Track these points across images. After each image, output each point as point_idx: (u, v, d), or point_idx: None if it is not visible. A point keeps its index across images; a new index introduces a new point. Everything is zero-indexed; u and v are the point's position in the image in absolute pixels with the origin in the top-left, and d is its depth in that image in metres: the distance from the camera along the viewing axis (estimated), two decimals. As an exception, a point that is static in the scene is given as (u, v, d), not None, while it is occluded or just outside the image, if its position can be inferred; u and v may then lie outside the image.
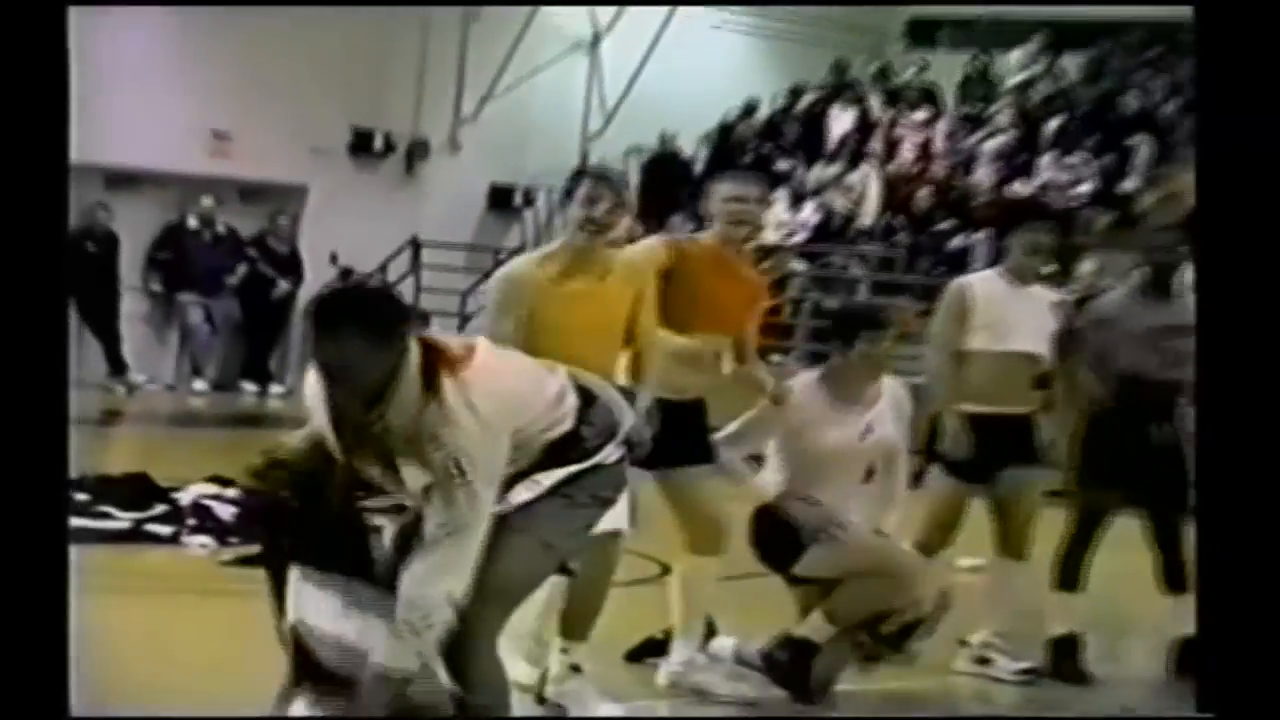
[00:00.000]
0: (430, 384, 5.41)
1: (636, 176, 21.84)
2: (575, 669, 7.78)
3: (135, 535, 11.62)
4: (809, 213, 24.09)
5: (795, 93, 26.64)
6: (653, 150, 24.48)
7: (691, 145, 24.66)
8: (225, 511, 12.15)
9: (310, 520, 5.86)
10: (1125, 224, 21.50)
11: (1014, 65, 26.09)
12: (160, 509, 12.04)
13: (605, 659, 8.27)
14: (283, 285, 23.06)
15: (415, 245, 22.99)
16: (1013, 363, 9.26)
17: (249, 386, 23.03)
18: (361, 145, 23.20)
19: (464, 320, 21.77)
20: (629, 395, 6.37)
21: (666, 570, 9.12)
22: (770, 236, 23.46)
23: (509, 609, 5.85)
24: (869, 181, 24.03)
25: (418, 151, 24.00)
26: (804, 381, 8.74)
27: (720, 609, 8.87)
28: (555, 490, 5.80)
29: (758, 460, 8.82)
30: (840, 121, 25.75)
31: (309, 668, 5.74)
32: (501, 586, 5.73)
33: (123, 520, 11.77)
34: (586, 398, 5.92)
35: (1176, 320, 9.37)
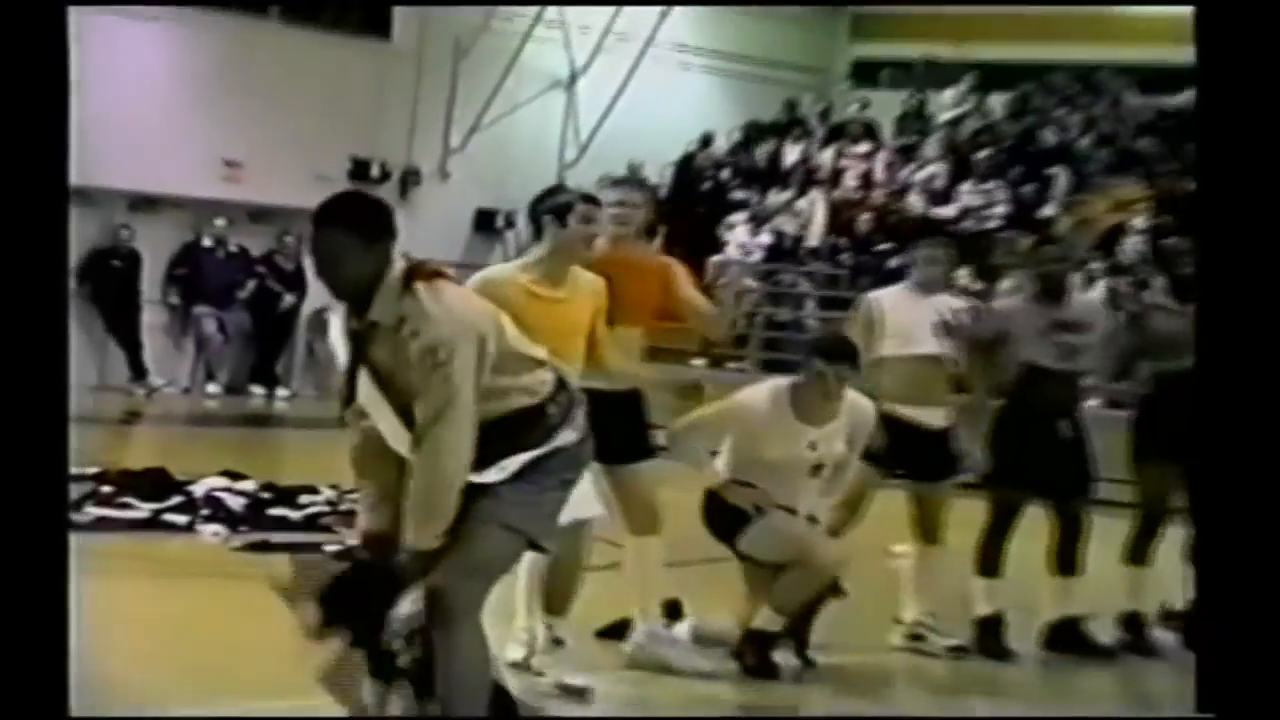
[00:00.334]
0: (408, 285, 5.59)
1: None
2: (558, 642, 7.84)
3: (154, 524, 11.60)
4: (763, 235, 24.11)
5: (750, 127, 26.68)
6: (615, 178, 24.44)
7: (656, 174, 24.64)
8: (235, 502, 12.14)
9: None
10: (1044, 246, 21.57)
11: (946, 103, 26.14)
12: (177, 500, 12.03)
13: (581, 635, 8.30)
14: (288, 298, 23.05)
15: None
16: (922, 365, 9.35)
17: (257, 390, 23.02)
18: (360, 173, 23.16)
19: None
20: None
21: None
22: (732, 254, 23.55)
23: (485, 587, 5.82)
24: (816, 207, 24.06)
25: (410, 179, 23.99)
26: (769, 389, 8.71)
27: (684, 591, 8.89)
28: (520, 475, 5.78)
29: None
30: (790, 153, 25.79)
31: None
32: (474, 568, 5.75)
33: (143, 510, 11.75)
34: (560, 382, 5.95)
35: (1066, 317, 9.60)
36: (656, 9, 24.22)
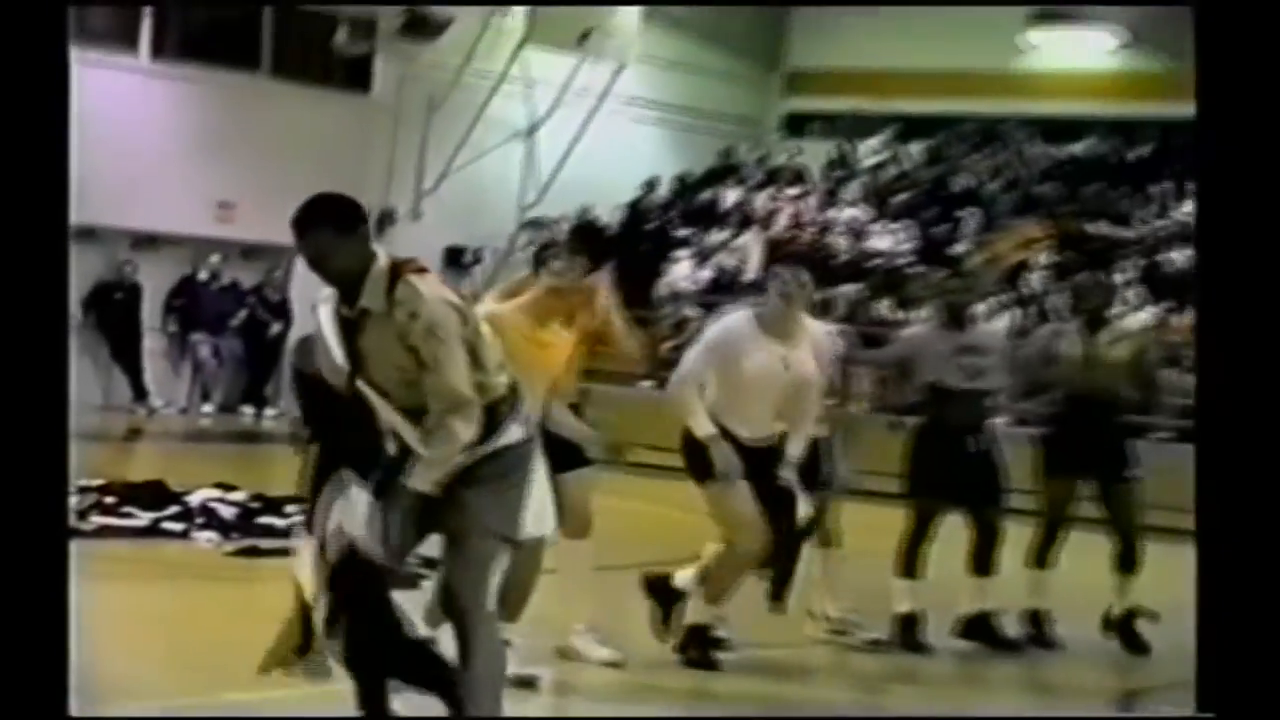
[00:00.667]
0: (395, 276, 5.68)
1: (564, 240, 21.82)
2: (506, 643, 7.78)
3: (153, 531, 11.57)
4: (704, 270, 24.13)
5: (693, 174, 26.74)
6: (570, 219, 24.46)
7: (608, 215, 24.65)
8: (227, 511, 12.10)
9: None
10: (950, 278, 21.63)
11: (868, 151, 26.22)
12: (174, 509, 11.99)
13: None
14: (276, 327, 23.03)
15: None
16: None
17: (248, 409, 22.95)
18: (341, 213, 23.11)
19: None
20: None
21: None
22: (678, 286, 23.57)
23: (485, 585, 5.86)
24: (752, 245, 24.08)
25: (387, 218, 23.91)
26: (739, 315, 8.69)
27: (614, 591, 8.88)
28: (480, 480, 5.81)
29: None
30: (729, 196, 25.84)
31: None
32: (470, 570, 5.83)
33: (143, 519, 11.72)
34: (513, 386, 5.98)
35: (969, 342, 9.67)
36: (609, 68, 24.25)
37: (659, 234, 25.35)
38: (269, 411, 22.96)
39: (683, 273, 24.03)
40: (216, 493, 12.49)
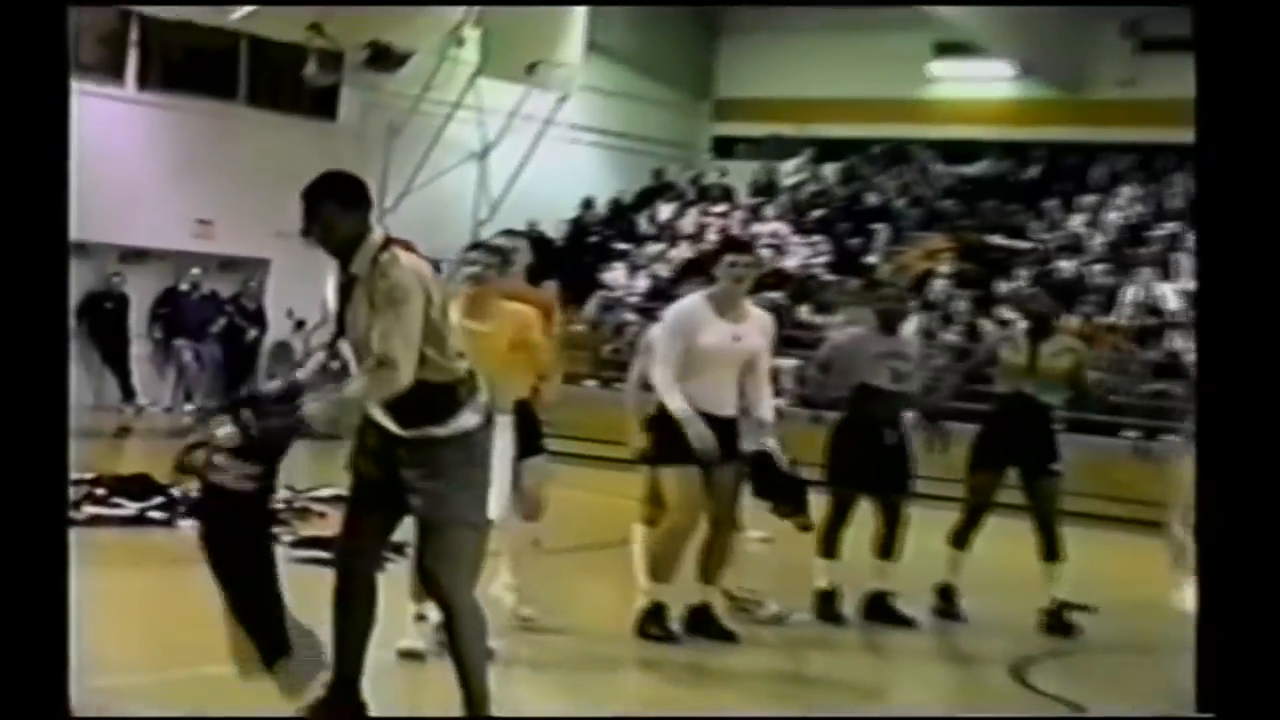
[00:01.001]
0: (384, 247, 5.79)
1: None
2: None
3: (140, 520, 11.51)
4: (639, 279, 24.15)
5: (629, 192, 26.77)
6: (523, 233, 24.45)
7: (553, 229, 24.64)
8: (208, 501, 12.04)
9: None
10: (869, 288, 21.73)
11: (789, 172, 26.31)
12: (159, 500, 11.91)
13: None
14: (252, 333, 22.96)
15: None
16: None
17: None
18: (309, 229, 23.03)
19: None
20: None
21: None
22: (619, 293, 23.59)
23: (470, 571, 5.97)
24: (685, 257, 24.11)
25: (353, 234, 23.87)
26: (692, 298, 8.67)
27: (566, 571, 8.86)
28: (451, 472, 5.81)
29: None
30: (662, 212, 25.87)
31: None
32: (454, 560, 5.88)
33: (130, 508, 11.65)
34: (471, 373, 5.97)
35: (898, 349, 9.70)
36: (554, 97, 24.25)
37: (599, 247, 25.37)
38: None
39: (618, 280, 24.05)
40: (198, 484, 12.43)
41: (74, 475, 11.91)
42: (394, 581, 7.37)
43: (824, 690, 8.35)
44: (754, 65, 27.35)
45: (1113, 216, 22.67)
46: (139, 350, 22.38)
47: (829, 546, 9.66)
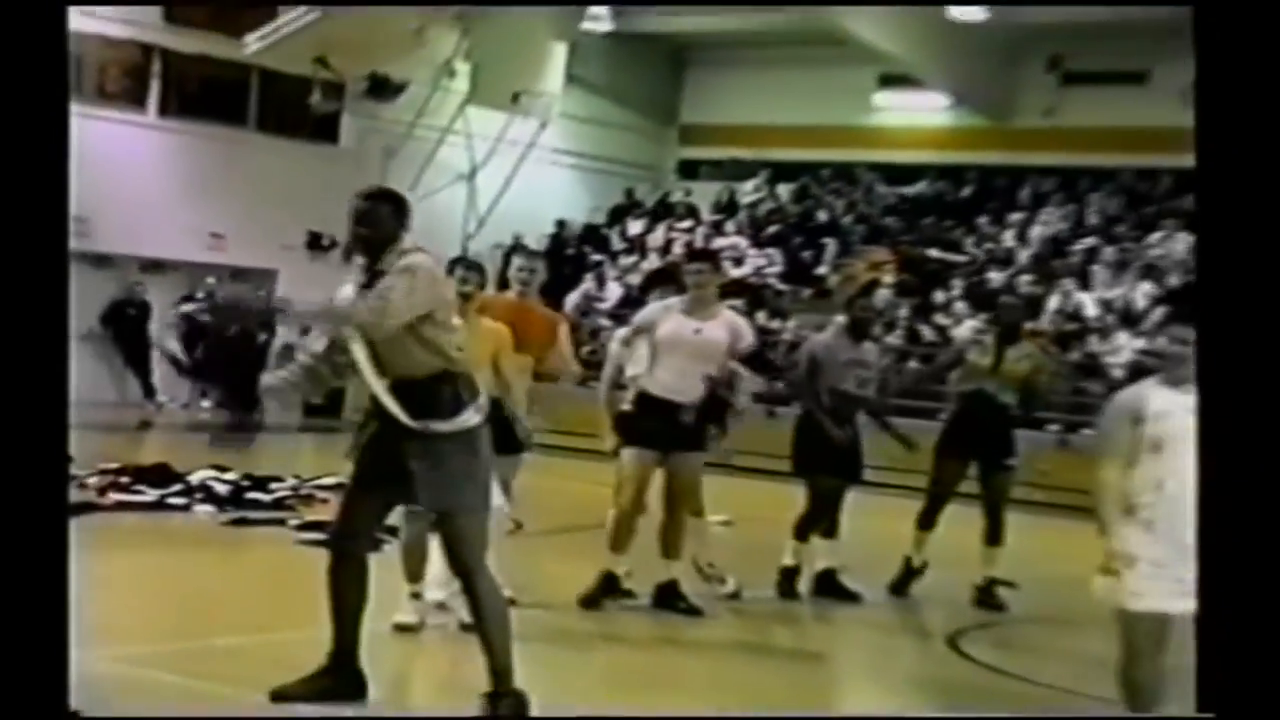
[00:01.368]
0: (406, 253, 5.90)
1: (500, 262, 21.77)
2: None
3: (160, 505, 11.48)
4: (611, 287, 24.15)
5: (603, 209, 26.77)
6: (509, 245, 24.45)
7: (535, 243, 24.64)
8: (222, 489, 12.02)
9: None
10: (819, 297, 21.80)
11: (747, 191, 26.32)
12: (178, 488, 11.90)
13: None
14: (262, 337, 22.89)
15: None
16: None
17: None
18: (314, 243, 22.97)
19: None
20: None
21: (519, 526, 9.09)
22: (588, 300, 23.57)
23: (481, 552, 5.95)
24: (653, 267, 24.12)
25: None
26: (668, 304, 8.76)
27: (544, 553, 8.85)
28: (458, 467, 5.83)
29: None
30: (633, 228, 25.87)
31: None
32: (470, 543, 5.92)
33: (151, 495, 11.62)
34: (470, 376, 6.03)
35: (864, 357, 9.66)
36: (536, 124, 24.25)
37: (576, 259, 25.36)
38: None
39: (590, 290, 24.05)
40: (213, 473, 12.40)
41: (100, 465, 11.92)
42: (390, 561, 7.40)
43: (780, 658, 8.36)
44: (716, 95, 27.37)
45: (1037, 232, 22.74)
46: (158, 352, 22.33)
47: (803, 532, 9.63)
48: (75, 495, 10.10)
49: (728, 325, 8.71)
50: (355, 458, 6.18)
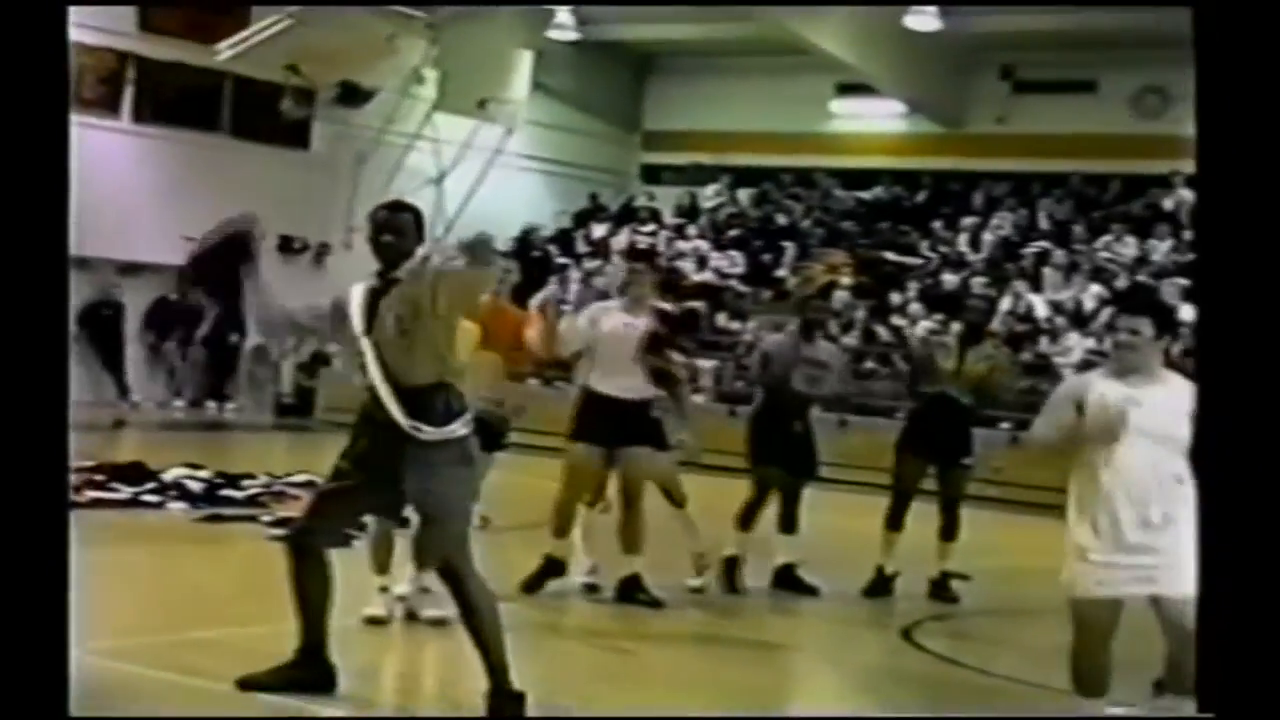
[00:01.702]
0: (424, 260, 6.12)
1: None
2: (425, 590, 7.71)
3: (135, 503, 11.44)
4: (576, 291, 24.13)
5: (567, 213, 26.76)
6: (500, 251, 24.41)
7: (503, 246, 24.60)
8: (195, 486, 11.99)
9: None
10: (778, 299, 21.82)
11: (708, 196, 26.34)
12: (152, 485, 11.86)
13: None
14: (234, 338, 22.85)
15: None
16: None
17: (211, 404, 22.73)
18: (286, 246, 22.89)
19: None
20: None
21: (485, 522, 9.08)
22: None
23: (465, 549, 5.91)
24: (617, 270, 24.11)
25: (323, 250, 23.76)
26: (606, 304, 8.90)
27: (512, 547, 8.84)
28: (449, 474, 5.84)
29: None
30: (597, 231, 25.86)
31: None
32: (459, 542, 5.91)
33: (126, 493, 11.58)
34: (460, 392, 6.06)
35: (816, 356, 9.68)
36: (502, 129, 24.23)
37: (543, 262, 25.33)
38: (229, 405, 22.81)
39: (555, 293, 23.96)
40: (186, 471, 12.37)
41: (76, 464, 11.84)
42: (359, 555, 7.38)
43: (738, 649, 8.38)
44: (678, 102, 27.40)
45: (990, 236, 22.84)
46: (133, 353, 22.27)
47: (746, 521, 9.66)
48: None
49: (659, 318, 8.78)
50: (344, 463, 6.10)
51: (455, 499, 5.89)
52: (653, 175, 27.98)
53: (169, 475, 12.13)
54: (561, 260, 25.29)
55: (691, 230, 25.21)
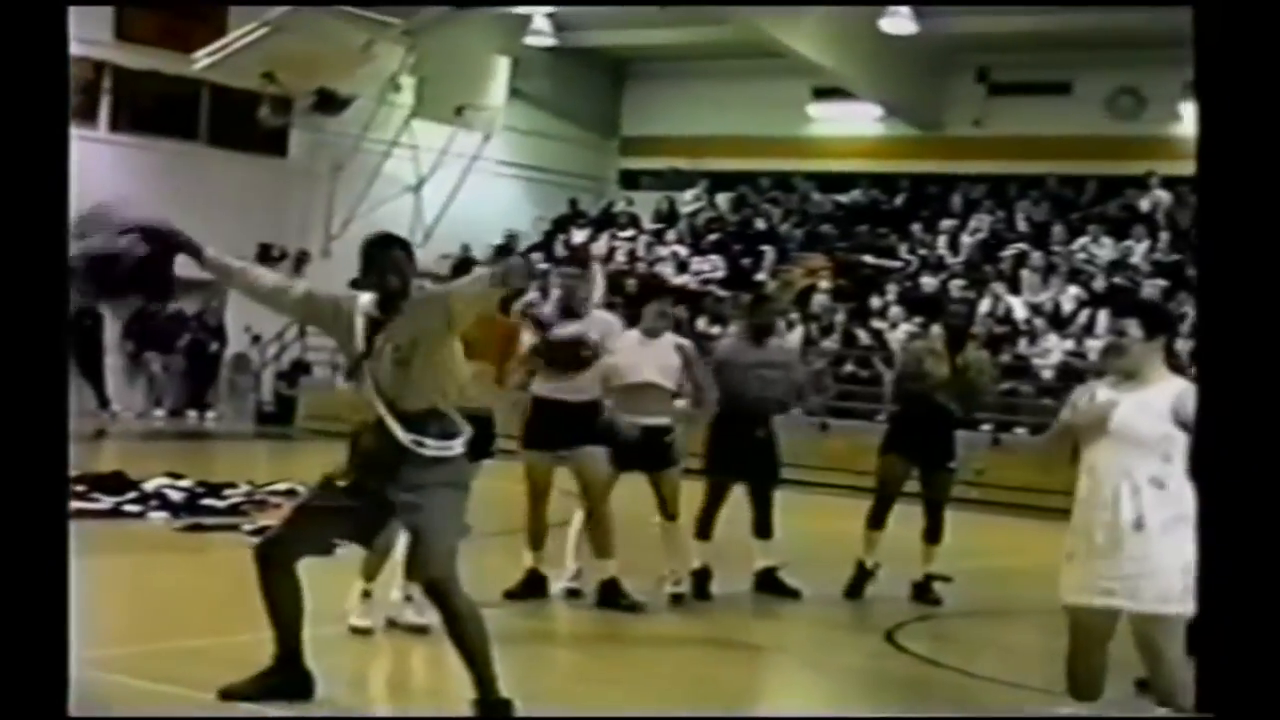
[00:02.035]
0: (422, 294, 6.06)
1: (449, 272, 21.74)
2: (409, 598, 7.69)
3: (116, 513, 11.40)
4: (555, 296, 24.09)
5: (546, 219, 26.75)
6: (457, 256, 24.39)
7: (481, 253, 24.61)
8: (176, 496, 11.96)
9: None
10: (758, 302, 21.81)
11: (687, 201, 26.39)
12: (132, 495, 11.82)
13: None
14: (214, 346, 22.84)
15: (302, 322, 22.74)
16: (641, 390, 9.06)
17: (192, 413, 22.68)
18: (264, 255, 22.86)
19: (334, 368, 21.52)
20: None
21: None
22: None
23: (453, 565, 5.87)
24: (595, 276, 24.03)
25: (302, 258, 23.75)
26: (548, 309, 8.92)
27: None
28: (444, 494, 5.86)
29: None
30: (576, 237, 25.86)
31: None
32: (443, 561, 5.87)
33: (107, 503, 11.54)
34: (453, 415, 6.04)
35: (767, 358, 9.66)
36: (480, 136, 24.25)
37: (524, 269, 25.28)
38: (209, 414, 22.76)
39: (534, 300, 23.97)
40: (167, 481, 12.34)
41: (57, 474, 11.78)
42: (344, 563, 7.37)
43: (722, 651, 8.38)
44: (655, 107, 27.45)
45: (968, 239, 22.90)
46: (113, 362, 22.22)
47: (704, 529, 9.62)
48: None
49: (597, 323, 8.74)
50: (330, 481, 6.07)
51: (447, 519, 5.90)
52: (631, 180, 28.03)
53: (150, 485, 12.10)
54: (542, 266, 25.24)
55: (670, 235, 25.25)
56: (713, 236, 24.83)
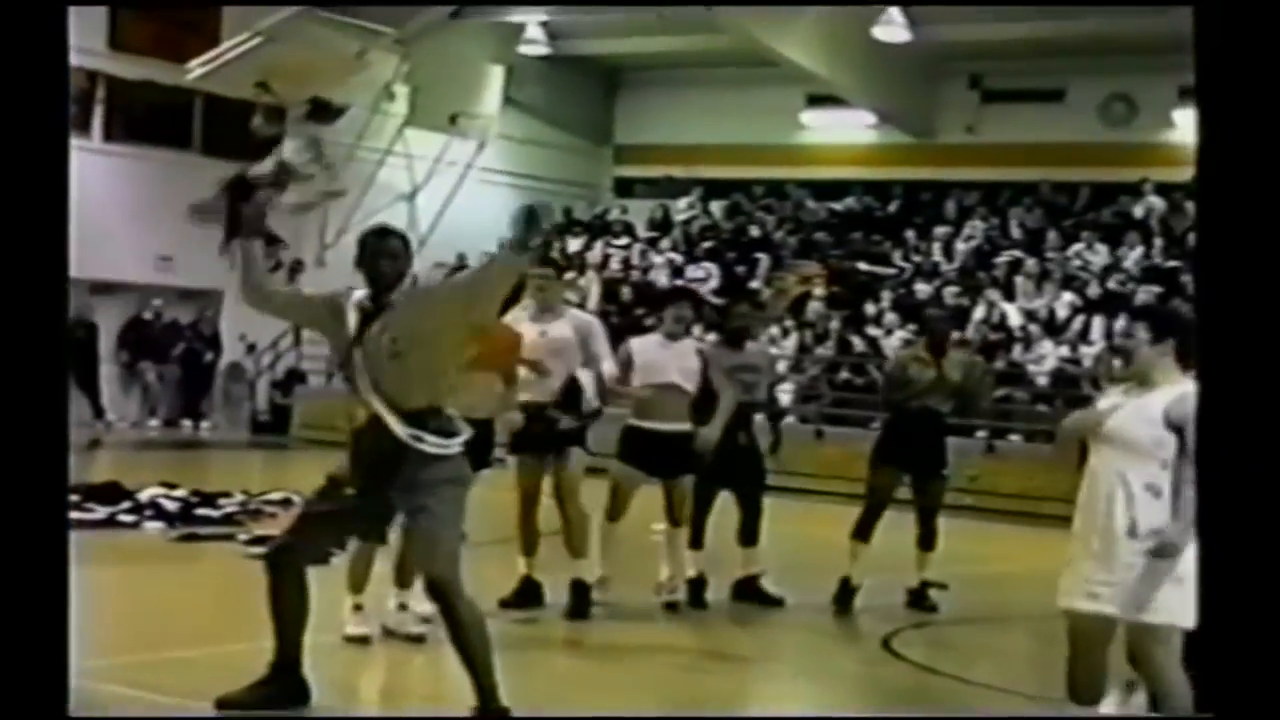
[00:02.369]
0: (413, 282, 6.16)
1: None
2: (403, 607, 7.68)
3: (110, 523, 11.38)
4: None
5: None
6: (452, 265, 24.40)
7: (476, 262, 24.60)
8: (171, 505, 11.94)
9: None
10: (732, 306, 21.82)
11: (681, 209, 26.40)
12: (127, 505, 11.80)
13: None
14: (208, 356, 22.85)
15: (297, 330, 22.72)
16: (665, 392, 9.01)
17: (186, 423, 22.68)
18: (260, 263, 22.88)
19: (329, 377, 21.52)
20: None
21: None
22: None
23: (456, 566, 5.85)
24: (591, 283, 24.15)
25: (298, 267, 23.72)
26: (514, 315, 8.70)
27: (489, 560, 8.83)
28: (445, 493, 5.84)
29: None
30: (571, 245, 25.87)
31: None
32: (446, 562, 5.85)
33: (101, 513, 11.52)
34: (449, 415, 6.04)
35: (746, 362, 9.64)
36: (474, 145, 24.26)
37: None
38: (204, 424, 22.76)
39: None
40: (162, 490, 12.32)
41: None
42: (339, 573, 7.36)
43: (718, 659, 8.37)
44: (649, 115, 27.46)
45: (962, 245, 22.93)
46: (108, 372, 22.23)
47: (695, 538, 9.59)
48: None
49: (573, 323, 8.75)
50: (332, 483, 6.07)
51: (448, 516, 5.88)
52: (625, 188, 28.04)
53: (145, 495, 12.08)
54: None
55: (665, 243, 25.26)
56: (707, 244, 24.84)
